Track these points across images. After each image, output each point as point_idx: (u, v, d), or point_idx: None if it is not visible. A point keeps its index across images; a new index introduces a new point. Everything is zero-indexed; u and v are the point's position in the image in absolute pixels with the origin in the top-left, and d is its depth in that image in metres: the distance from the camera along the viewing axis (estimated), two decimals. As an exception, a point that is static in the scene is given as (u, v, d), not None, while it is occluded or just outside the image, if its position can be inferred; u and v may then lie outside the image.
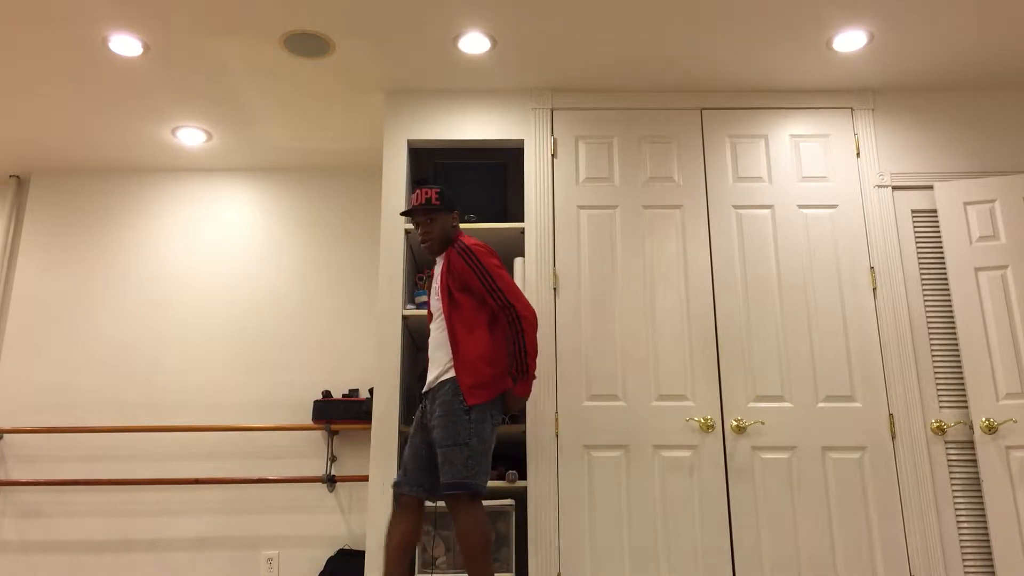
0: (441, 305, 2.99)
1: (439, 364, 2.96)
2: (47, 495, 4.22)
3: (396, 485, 2.93)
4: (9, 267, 4.58)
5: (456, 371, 2.90)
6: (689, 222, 3.73)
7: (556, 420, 3.49)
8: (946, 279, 3.62)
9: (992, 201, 3.65)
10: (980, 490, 3.38)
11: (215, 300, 4.49)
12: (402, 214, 3.10)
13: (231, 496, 4.22)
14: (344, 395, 4.23)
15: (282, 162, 4.63)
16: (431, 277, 3.15)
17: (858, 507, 3.38)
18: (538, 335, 3.56)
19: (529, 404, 3.50)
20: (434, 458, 2.95)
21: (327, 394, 4.20)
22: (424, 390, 3.02)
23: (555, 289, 3.64)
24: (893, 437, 3.45)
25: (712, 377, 3.53)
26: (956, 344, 3.55)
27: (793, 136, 3.85)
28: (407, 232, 3.74)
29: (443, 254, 3.10)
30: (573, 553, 3.35)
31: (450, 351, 2.94)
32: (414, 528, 2.86)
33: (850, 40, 3.52)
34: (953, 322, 3.57)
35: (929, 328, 3.58)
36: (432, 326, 3.05)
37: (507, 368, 2.95)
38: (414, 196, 3.08)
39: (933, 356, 3.55)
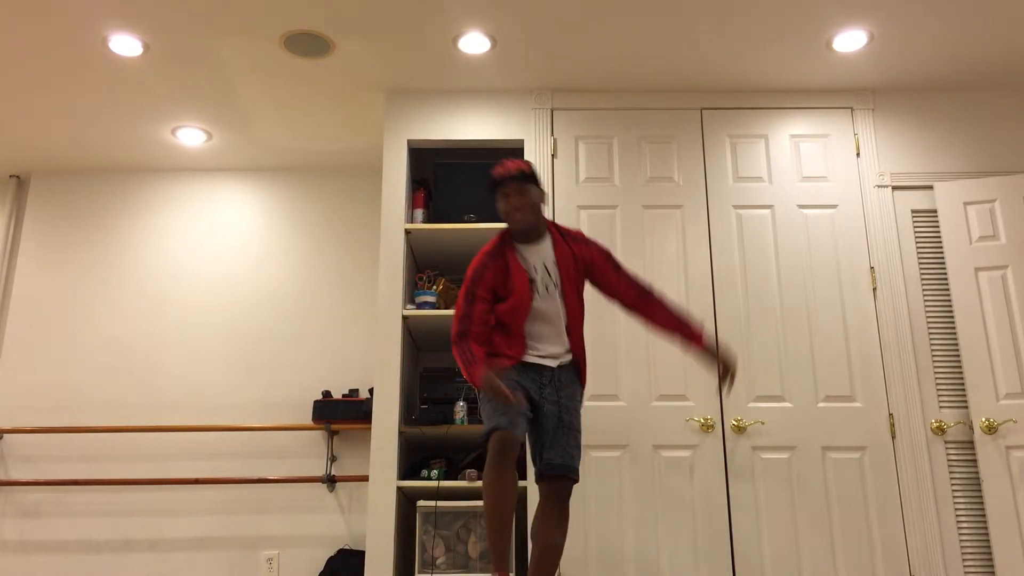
0: (568, 288, 2.74)
1: (565, 343, 2.75)
2: (47, 495, 4.22)
3: (513, 426, 2.51)
4: (9, 267, 4.58)
5: (580, 358, 2.77)
6: (689, 222, 3.73)
7: (556, 420, 3.49)
8: (946, 279, 3.62)
9: (992, 201, 3.65)
10: (980, 490, 3.38)
11: (215, 300, 4.49)
12: (493, 183, 2.75)
13: (231, 496, 4.21)
14: (344, 395, 4.23)
15: (282, 162, 4.63)
16: (518, 258, 2.72)
17: (858, 507, 3.38)
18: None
19: (529, 404, 3.50)
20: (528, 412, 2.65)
21: (327, 394, 4.20)
22: (555, 364, 2.71)
23: (555, 289, 3.64)
24: (893, 437, 3.45)
25: (712, 377, 3.53)
26: (956, 344, 3.55)
27: (793, 136, 3.85)
28: (407, 232, 3.74)
29: (543, 238, 2.76)
30: (573, 553, 3.35)
31: (570, 342, 2.77)
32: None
33: (850, 40, 3.52)
34: (953, 322, 3.57)
35: (929, 328, 3.58)
36: (545, 320, 2.73)
37: None
38: (500, 168, 2.74)
39: (933, 356, 3.55)
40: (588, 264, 2.77)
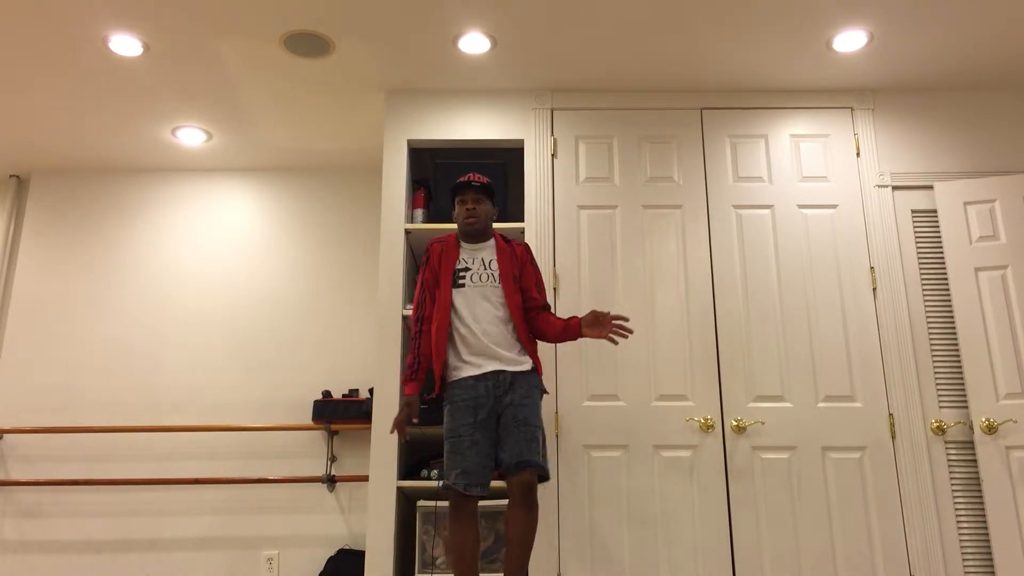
0: (503, 290, 3.01)
1: (516, 349, 2.97)
2: (47, 495, 4.22)
3: (467, 487, 2.78)
4: (9, 267, 4.58)
5: (533, 359, 2.99)
6: (689, 222, 3.73)
7: (556, 420, 3.49)
8: (946, 279, 3.62)
9: (992, 201, 3.65)
10: (980, 490, 3.38)
11: (215, 300, 4.49)
12: (455, 188, 3.11)
13: (231, 496, 4.21)
14: (344, 395, 4.23)
15: (282, 162, 4.63)
16: (449, 260, 3.05)
17: (858, 507, 3.38)
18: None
19: (529, 404, 3.50)
20: (493, 448, 2.89)
21: (327, 394, 4.20)
22: (512, 369, 2.92)
23: (555, 289, 3.64)
24: (893, 437, 3.45)
25: (712, 377, 3.53)
26: (956, 344, 3.55)
27: (793, 136, 3.85)
28: (407, 232, 3.75)
29: (487, 241, 3.12)
30: (573, 553, 3.35)
31: (517, 337, 2.99)
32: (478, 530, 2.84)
33: (850, 40, 3.52)
34: (953, 322, 3.57)
35: (929, 328, 3.58)
36: (486, 306, 3.00)
37: None
38: (466, 177, 3.12)
39: (933, 356, 3.55)
40: (522, 264, 3.10)
